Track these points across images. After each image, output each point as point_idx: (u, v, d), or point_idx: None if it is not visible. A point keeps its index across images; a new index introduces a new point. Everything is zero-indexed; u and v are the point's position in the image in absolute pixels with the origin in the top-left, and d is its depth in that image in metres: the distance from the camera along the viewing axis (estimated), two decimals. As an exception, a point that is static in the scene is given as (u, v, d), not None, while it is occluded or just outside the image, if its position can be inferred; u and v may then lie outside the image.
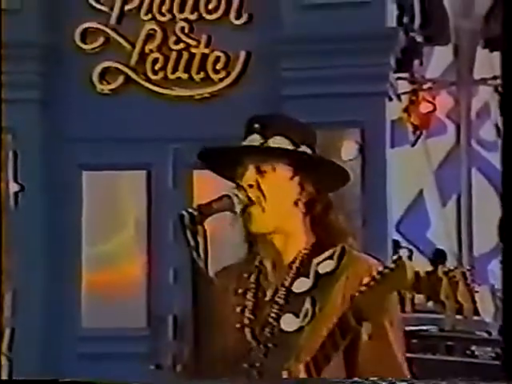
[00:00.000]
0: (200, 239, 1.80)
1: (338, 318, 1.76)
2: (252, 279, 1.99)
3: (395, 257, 1.77)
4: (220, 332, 1.94)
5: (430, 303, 1.83)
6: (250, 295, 1.97)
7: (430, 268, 1.82)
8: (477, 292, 1.73)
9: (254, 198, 1.92)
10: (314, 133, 2.02)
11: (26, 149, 5.93)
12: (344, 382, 1.82)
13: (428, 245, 8.02)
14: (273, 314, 1.92)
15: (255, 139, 1.95)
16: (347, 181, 2.00)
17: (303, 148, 1.96)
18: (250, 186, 1.92)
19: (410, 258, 6.61)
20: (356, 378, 1.81)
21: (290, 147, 1.94)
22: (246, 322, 1.95)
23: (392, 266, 1.72)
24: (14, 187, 5.88)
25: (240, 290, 1.99)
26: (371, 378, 1.78)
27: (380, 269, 1.73)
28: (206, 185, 5.57)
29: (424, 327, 4.97)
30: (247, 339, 1.94)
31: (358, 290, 1.73)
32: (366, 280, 1.73)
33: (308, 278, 1.93)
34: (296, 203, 1.95)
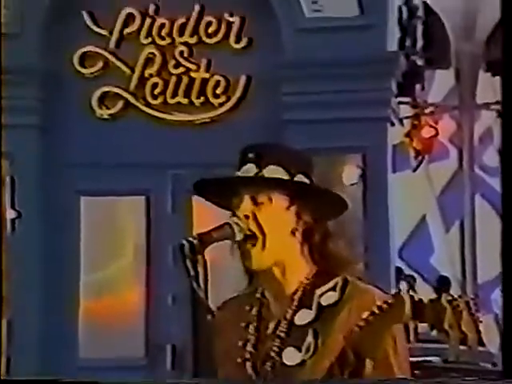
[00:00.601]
0: (200, 269, 1.79)
1: (337, 353, 1.75)
2: (254, 312, 1.97)
3: (394, 291, 1.76)
4: (220, 365, 1.93)
5: (434, 332, 1.82)
6: (252, 329, 1.95)
7: (433, 296, 1.81)
8: (481, 322, 1.72)
9: (251, 230, 1.91)
10: (310, 160, 2.02)
11: (23, 174, 5.94)
12: (344, 382, 1.81)
13: (431, 271, 8.00)
14: (275, 348, 1.91)
15: (250, 169, 1.94)
16: (345, 209, 2.00)
17: (299, 177, 1.95)
18: (246, 216, 1.91)
19: (412, 287, 6.59)
20: (356, 378, 1.80)
21: (286, 177, 1.93)
22: (248, 356, 1.94)
23: (391, 300, 1.71)
24: (11, 214, 5.88)
25: (242, 324, 1.96)
26: (371, 379, 1.77)
27: (379, 303, 1.72)
28: (206, 210, 5.54)
29: (427, 358, 4.93)
30: (248, 373, 1.92)
31: (357, 324, 1.72)
32: (365, 315, 1.72)
33: (310, 309, 1.91)
34: (293, 233, 1.94)
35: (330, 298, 1.93)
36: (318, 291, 1.94)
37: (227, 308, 2.03)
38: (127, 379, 5.50)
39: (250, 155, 1.96)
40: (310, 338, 1.90)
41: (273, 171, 1.95)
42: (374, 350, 1.74)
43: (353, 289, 1.93)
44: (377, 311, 1.73)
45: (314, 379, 1.84)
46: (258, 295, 2.01)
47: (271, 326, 1.96)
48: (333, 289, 1.94)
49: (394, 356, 1.86)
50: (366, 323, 1.72)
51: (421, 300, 1.74)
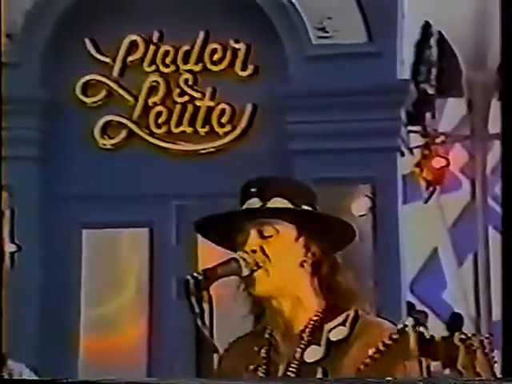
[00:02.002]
0: (205, 306, 1.78)
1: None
2: (263, 353, 1.95)
3: (400, 326, 1.75)
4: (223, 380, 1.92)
5: (447, 371, 1.80)
6: (261, 371, 1.95)
7: (446, 333, 1.80)
8: (496, 362, 1.71)
9: (259, 262, 1.91)
10: (314, 192, 2.02)
11: (23, 207, 5.95)
12: (344, 382, 1.79)
13: (444, 307, 7.93)
14: None
15: (254, 203, 1.94)
16: (354, 237, 2.00)
17: (305, 207, 1.96)
18: (254, 251, 1.91)
19: (424, 323, 6.54)
20: (356, 378, 1.78)
21: (292, 206, 1.94)
22: (255, 377, 1.92)
23: (396, 336, 1.70)
24: (10, 247, 5.88)
25: (251, 367, 1.95)
26: (370, 379, 1.75)
27: (384, 340, 1.71)
28: (211, 243, 5.56)
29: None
30: None
31: (363, 362, 1.71)
32: (371, 352, 1.71)
33: (319, 345, 1.91)
34: (302, 265, 1.94)
35: (339, 333, 1.92)
36: (327, 326, 1.93)
37: (235, 349, 2.01)
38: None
39: (253, 190, 1.96)
40: (319, 376, 1.88)
41: (278, 203, 1.95)
42: None
43: (363, 323, 1.92)
44: (382, 348, 1.72)
45: (313, 378, 1.83)
46: (266, 335, 1.99)
47: (281, 367, 1.94)
48: (342, 323, 1.93)
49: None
50: (372, 360, 1.71)
51: (432, 337, 1.73)
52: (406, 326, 1.74)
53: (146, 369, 5.94)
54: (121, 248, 6.20)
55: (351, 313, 1.94)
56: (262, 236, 1.94)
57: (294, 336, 1.95)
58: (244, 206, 1.96)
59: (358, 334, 1.91)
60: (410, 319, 1.73)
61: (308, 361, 1.91)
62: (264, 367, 1.96)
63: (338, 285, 1.96)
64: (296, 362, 1.93)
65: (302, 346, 1.94)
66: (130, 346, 6.01)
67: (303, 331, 1.95)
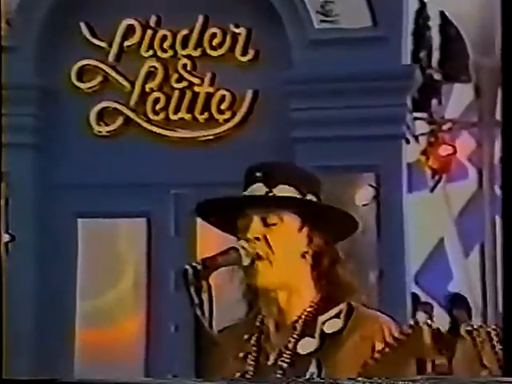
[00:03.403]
0: (204, 296, 1.79)
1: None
2: (253, 341, 1.97)
3: (412, 321, 1.74)
4: (223, 380, 1.92)
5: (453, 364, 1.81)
6: (250, 359, 1.96)
7: (451, 325, 1.80)
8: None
9: (260, 252, 1.92)
10: (319, 181, 2.03)
11: (17, 196, 5.96)
12: (344, 382, 1.81)
13: (450, 299, 7.95)
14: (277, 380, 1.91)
15: (259, 188, 1.95)
16: (356, 229, 2.01)
17: (310, 197, 1.97)
18: (257, 238, 1.92)
19: (430, 315, 6.54)
20: (356, 378, 1.79)
21: (298, 196, 1.95)
22: (254, 376, 1.93)
23: (408, 331, 1.70)
24: (4, 237, 5.89)
25: (241, 354, 1.97)
26: (370, 378, 1.76)
27: (396, 334, 1.71)
28: (210, 233, 5.56)
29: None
30: None
31: (372, 356, 1.71)
32: (379, 346, 1.71)
33: (313, 337, 1.92)
34: (303, 256, 1.95)
35: (333, 326, 1.93)
36: (321, 318, 1.95)
37: (224, 337, 2.01)
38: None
39: (258, 174, 1.97)
40: (313, 369, 1.90)
41: (284, 190, 1.96)
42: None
43: (358, 316, 1.94)
44: (393, 343, 1.72)
45: (313, 378, 1.84)
46: (257, 323, 2.00)
47: (272, 356, 1.95)
48: (337, 316, 1.95)
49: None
50: (382, 355, 1.72)
51: (438, 329, 1.74)
52: (417, 322, 1.73)
53: (144, 362, 5.96)
54: (117, 238, 6.21)
55: (345, 305, 1.96)
56: (265, 224, 1.95)
57: (287, 326, 1.97)
58: (248, 191, 1.97)
59: (354, 326, 1.92)
60: (422, 313, 1.74)
61: (302, 352, 1.93)
62: (254, 355, 1.97)
63: (338, 277, 1.98)
64: (289, 353, 1.94)
65: (295, 336, 1.95)
66: (127, 339, 6.03)
67: (297, 322, 1.96)
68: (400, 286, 5.67)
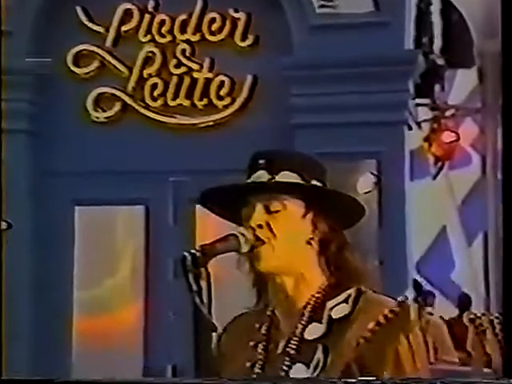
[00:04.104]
0: (203, 283, 1.79)
1: (342, 369, 1.76)
2: (263, 330, 1.98)
3: (400, 298, 1.76)
4: (222, 380, 1.93)
5: (456, 353, 1.82)
6: (261, 348, 1.97)
7: (454, 313, 1.82)
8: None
9: (263, 239, 1.92)
10: (324, 167, 2.03)
11: (13, 183, 5.95)
12: (344, 382, 1.82)
13: (452, 288, 7.95)
14: (284, 367, 1.92)
15: (262, 176, 1.95)
16: (362, 215, 2.01)
17: (314, 183, 1.97)
18: (260, 226, 1.92)
19: (430, 304, 6.55)
20: (356, 378, 1.80)
21: (301, 182, 1.95)
22: (254, 376, 1.94)
23: (396, 309, 1.71)
24: (0, 225, 5.89)
25: (251, 343, 1.98)
26: (370, 379, 1.78)
27: (386, 312, 1.72)
28: (210, 221, 5.57)
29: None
30: None
31: (363, 336, 1.72)
32: (371, 325, 1.73)
33: (321, 323, 1.93)
34: (309, 243, 1.95)
35: (341, 311, 1.94)
36: (329, 304, 1.95)
37: (235, 326, 2.03)
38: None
39: (261, 162, 1.97)
40: (319, 354, 1.91)
41: (287, 177, 1.96)
42: (381, 362, 1.74)
43: (366, 301, 1.95)
44: (382, 321, 1.73)
45: (313, 378, 1.85)
46: (268, 312, 2.01)
47: (281, 344, 1.96)
48: (345, 301, 1.95)
49: (412, 365, 1.86)
50: (372, 334, 1.72)
51: (441, 318, 1.75)
52: (406, 298, 1.75)
53: (143, 352, 5.97)
54: (115, 226, 6.22)
55: (353, 290, 1.96)
56: (268, 211, 1.95)
57: (296, 313, 1.97)
58: (251, 179, 1.97)
59: (361, 311, 1.93)
60: (412, 291, 1.76)
61: (308, 338, 1.94)
62: (264, 343, 1.98)
63: (347, 263, 1.98)
64: (296, 339, 1.95)
65: (303, 322, 1.96)
66: (125, 329, 6.04)
67: (305, 308, 1.97)
68: (402, 275, 5.68)
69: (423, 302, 6.37)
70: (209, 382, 1.81)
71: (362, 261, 2.00)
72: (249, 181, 1.98)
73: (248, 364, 1.97)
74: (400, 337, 1.75)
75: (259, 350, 1.98)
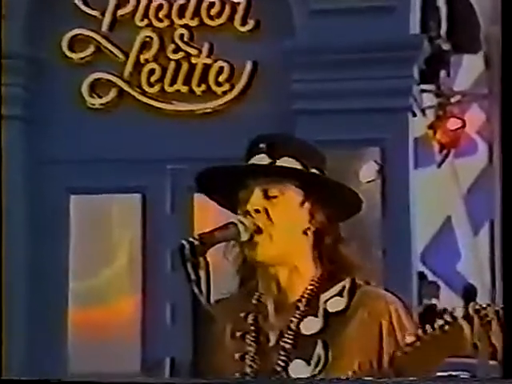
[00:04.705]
0: (202, 272, 1.79)
1: (374, 378, 1.75)
2: (250, 320, 1.98)
3: (448, 318, 1.73)
4: (222, 380, 1.93)
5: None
6: (249, 339, 1.96)
7: (460, 305, 1.81)
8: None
9: (260, 225, 1.92)
10: (324, 156, 2.03)
11: (7, 171, 5.95)
12: (344, 381, 1.83)
13: (458, 279, 7.96)
14: (280, 362, 1.92)
15: (262, 159, 1.96)
16: (360, 208, 2.02)
17: (313, 171, 1.98)
18: (257, 211, 1.92)
19: (436, 295, 6.54)
20: (356, 378, 1.81)
21: (302, 169, 1.95)
22: (248, 370, 1.94)
23: (446, 328, 1.69)
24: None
25: (238, 333, 1.97)
26: (370, 378, 1.78)
27: (428, 329, 1.71)
28: (208, 210, 5.57)
29: (454, 373, 4.93)
30: None
31: (402, 350, 1.71)
32: (409, 339, 1.71)
33: (317, 317, 1.93)
34: (305, 233, 1.96)
35: (337, 304, 1.94)
36: (323, 296, 1.96)
37: (222, 309, 2.02)
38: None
39: (262, 145, 1.98)
40: (319, 350, 1.91)
41: (287, 163, 1.97)
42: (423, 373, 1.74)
43: (363, 294, 1.95)
44: (425, 337, 1.72)
45: (313, 378, 1.86)
46: (254, 301, 2.01)
47: (273, 337, 1.96)
48: (339, 294, 1.95)
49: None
50: (414, 349, 1.72)
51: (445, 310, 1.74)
52: (455, 317, 1.73)
53: (140, 344, 5.98)
54: (111, 215, 6.22)
55: (347, 282, 1.97)
56: (266, 196, 1.95)
57: (288, 305, 1.97)
58: (250, 162, 1.98)
59: (358, 305, 1.93)
60: (460, 310, 1.73)
61: (305, 333, 1.93)
62: (253, 335, 1.98)
63: (340, 256, 1.99)
64: (291, 333, 1.95)
65: (297, 316, 1.96)
66: (121, 321, 6.05)
67: (299, 301, 1.97)
68: (406, 265, 5.68)
69: (427, 293, 6.39)
70: (209, 382, 1.82)
71: (357, 254, 2.00)
72: (249, 163, 1.98)
73: (237, 355, 1.97)
74: (445, 356, 1.75)
75: (248, 342, 1.98)
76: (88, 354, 5.89)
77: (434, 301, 6.74)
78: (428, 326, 1.74)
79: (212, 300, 1.80)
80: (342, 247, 1.98)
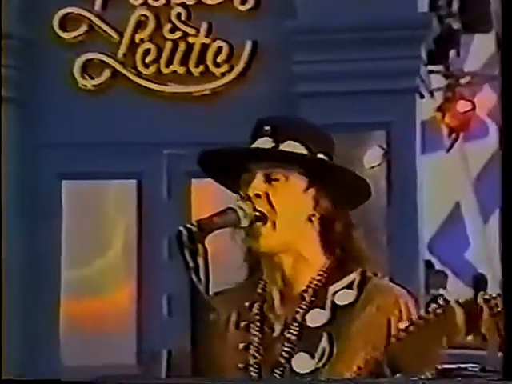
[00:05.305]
0: (200, 260, 1.80)
1: (367, 366, 1.76)
2: (255, 310, 1.99)
3: (441, 301, 1.75)
4: (223, 372, 1.95)
5: (470, 337, 1.83)
6: (254, 329, 1.98)
7: (469, 295, 1.82)
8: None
9: (262, 210, 1.93)
10: (332, 140, 2.03)
11: (-2, 155, 5.96)
12: (344, 382, 1.84)
13: (466, 268, 7.97)
14: (284, 353, 1.93)
15: (265, 143, 1.97)
16: (369, 196, 2.01)
17: (320, 156, 1.98)
18: (258, 195, 1.93)
19: (443, 285, 6.57)
20: (357, 378, 1.82)
21: (306, 153, 1.96)
22: (251, 361, 1.95)
23: (438, 311, 1.71)
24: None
25: (242, 323, 1.99)
26: (370, 379, 1.80)
27: (422, 313, 1.72)
28: (206, 196, 5.59)
29: (463, 365, 4.96)
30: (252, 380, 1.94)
31: (395, 335, 1.72)
32: (403, 324, 1.72)
33: (324, 309, 1.94)
34: (310, 219, 1.96)
35: (345, 297, 1.95)
36: (332, 288, 1.96)
37: (225, 300, 2.03)
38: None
39: (266, 128, 1.98)
40: (324, 343, 1.92)
41: (292, 147, 1.97)
42: (418, 365, 1.75)
43: (372, 287, 1.95)
44: (419, 321, 1.73)
45: (313, 378, 1.87)
46: (259, 290, 2.02)
47: (278, 327, 1.97)
48: (349, 286, 1.96)
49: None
50: (407, 334, 1.73)
51: (457, 301, 1.75)
52: (447, 300, 1.75)
53: (136, 336, 6.00)
54: (105, 202, 6.23)
55: (357, 275, 1.97)
56: (268, 180, 1.96)
57: (294, 296, 1.98)
58: (254, 145, 1.98)
59: (368, 298, 1.94)
60: (453, 293, 1.74)
61: (311, 325, 1.94)
62: (257, 324, 1.99)
63: (352, 245, 1.99)
64: (296, 325, 1.96)
65: (303, 307, 1.97)
66: (116, 311, 6.06)
67: (305, 291, 1.98)
68: (412, 254, 5.69)
69: (435, 282, 6.41)
70: (209, 382, 1.83)
71: (367, 242, 2.01)
72: (251, 146, 1.99)
73: (241, 346, 1.98)
74: (440, 341, 1.76)
75: (253, 332, 1.99)
76: (81, 347, 5.91)
77: (441, 291, 6.76)
78: (422, 311, 1.75)
79: (214, 290, 1.81)
80: (354, 234, 1.99)
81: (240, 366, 1.96)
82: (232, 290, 2.05)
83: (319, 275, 1.98)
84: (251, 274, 2.03)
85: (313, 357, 1.90)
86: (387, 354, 1.75)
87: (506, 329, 1.75)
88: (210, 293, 1.80)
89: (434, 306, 1.76)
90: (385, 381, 1.77)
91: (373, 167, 5.75)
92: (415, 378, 1.76)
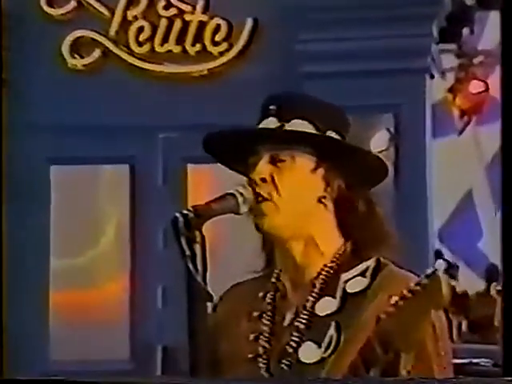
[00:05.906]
0: (197, 248, 1.79)
1: (361, 347, 1.77)
2: (268, 299, 2.00)
3: (429, 270, 1.78)
4: (226, 364, 1.96)
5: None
6: (265, 319, 1.98)
7: (481, 287, 1.84)
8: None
9: (266, 196, 1.93)
10: (347, 119, 2.02)
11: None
12: (345, 382, 1.85)
13: (479, 258, 7.98)
14: (292, 343, 1.94)
15: (271, 122, 1.96)
16: (386, 174, 2.01)
17: (330, 134, 1.98)
18: (263, 180, 1.93)
19: (448, 271, 6.59)
20: (358, 378, 1.83)
21: (312, 131, 1.96)
22: (261, 351, 1.97)
23: (425, 281, 1.73)
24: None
25: (255, 314, 1.99)
26: (370, 378, 1.81)
27: (411, 286, 1.74)
28: (203, 182, 5.60)
29: (475, 360, 4.99)
30: (260, 372, 1.95)
31: (385, 311, 1.74)
32: (394, 299, 1.74)
33: (334, 297, 1.95)
34: (320, 201, 1.96)
35: (357, 285, 1.95)
36: (344, 276, 1.96)
37: (234, 295, 2.05)
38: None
39: (272, 107, 1.98)
40: (331, 332, 1.92)
41: (298, 125, 1.97)
42: (407, 341, 1.76)
43: (387, 274, 1.95)
44: (408, 295, 1.75)
45: (313, 378, 1.88)
46: (273, 279, 2.03)
47: (288, 316, 1.98)
48: (362, 274, 1.96)
49: (434, 348, 1.88)
50: (396, 309, 1.75)
51: (466, 292, 1.77)
52: (436, 270, 1.76)
53: (129, 330, 6.03)
54: (97, 188, 6.24)
55: (373, 261, 1.97)
56: (273, 162, 1.96)
57: (305, 283, 1.99)
58: (261, 125, 1.99)
59: (381, 285, 1.94)
60: (442, 262, 1.75)
61: (320, 314, 1.95)
62: (269, 314, 2.00)
63: (373, 225, 1.99)
64: (306, 313, 1.97)
65: (314, 295, 1.97)
66: (108, 304, 6.08)
67: (316, 278, 1.98)
68: (421, 243, 5.71)
69: (446, 273, 6.41)
70: (209, 382, 1.84)
71: (386, 224, 2.01)
72: (256, 127, 1.99)
73: (252, 336, 2.00)
74: (431, 313, 1.78)
75: (264, 321, 2.00)
76: (71, 341, 5.93)
77: (452, 282, 6.78)
78: (412, 285, 1.77)
79: (218, 284, 1.82)
80: (373, 217, 1.98)
81: (250, 356, 1.97)
82: (247, 282, 2.06)
83: (332, 261, 1.98)
84: (268, 265, 2.04)
85: (319, 346, 1.92)
86: (378, 331, 1.76)
87: (505, 328, 1.77)
88: (218, 293, 1.80)
89: (421, 277, 1.77)
90: (387, 380, 1.78)
91: (380, 151, 5.76)
92: (415, 378, 1.78)
